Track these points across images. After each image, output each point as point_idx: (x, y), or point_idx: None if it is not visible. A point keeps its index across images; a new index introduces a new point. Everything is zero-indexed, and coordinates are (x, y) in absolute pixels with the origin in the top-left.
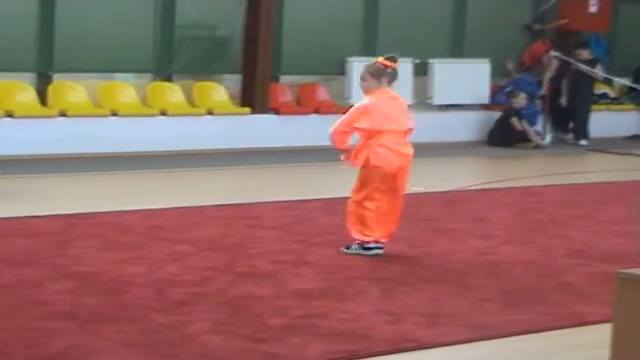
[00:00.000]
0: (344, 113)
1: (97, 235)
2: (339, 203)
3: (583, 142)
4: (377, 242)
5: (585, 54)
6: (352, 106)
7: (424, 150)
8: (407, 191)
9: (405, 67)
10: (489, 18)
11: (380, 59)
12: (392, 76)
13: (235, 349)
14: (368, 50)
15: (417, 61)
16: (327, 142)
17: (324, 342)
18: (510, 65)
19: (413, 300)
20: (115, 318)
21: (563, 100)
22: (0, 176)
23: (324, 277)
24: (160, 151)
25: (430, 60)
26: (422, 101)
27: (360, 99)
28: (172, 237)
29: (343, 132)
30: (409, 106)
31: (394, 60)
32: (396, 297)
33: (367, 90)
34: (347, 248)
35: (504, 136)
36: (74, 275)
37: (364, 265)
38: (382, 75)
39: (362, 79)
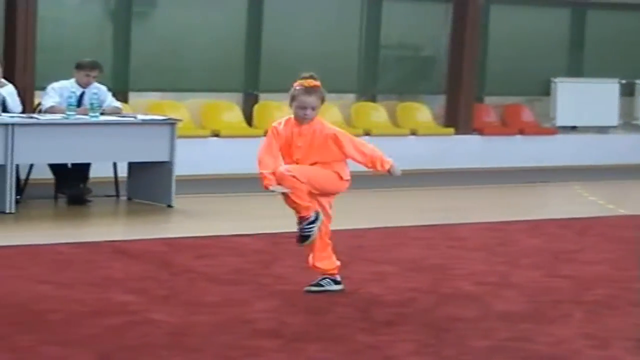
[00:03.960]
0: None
1: (300, 254)
2: (543, 225)
3: None
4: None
5: None
6: None
7: (628, 171)
8: None
9: (611, 87)
10: None
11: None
12: None
13: None
14: (574, 70)
15: (624, 81)
16: (531, 164)
17: None
18: None
19: (620, 324)
20: (320, 337)
21: None
22: (207, 195)
23: (528, 299)
24: (360, 171)
25: (637, 81)
26: (628, 122)
27: (564, 120)
28: (375, 257)
29: None
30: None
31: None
32: (602, 320)
33: (311, 118)
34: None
35: None
36: (279, 294)
37: (570, 288)
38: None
39: (314, 108)
